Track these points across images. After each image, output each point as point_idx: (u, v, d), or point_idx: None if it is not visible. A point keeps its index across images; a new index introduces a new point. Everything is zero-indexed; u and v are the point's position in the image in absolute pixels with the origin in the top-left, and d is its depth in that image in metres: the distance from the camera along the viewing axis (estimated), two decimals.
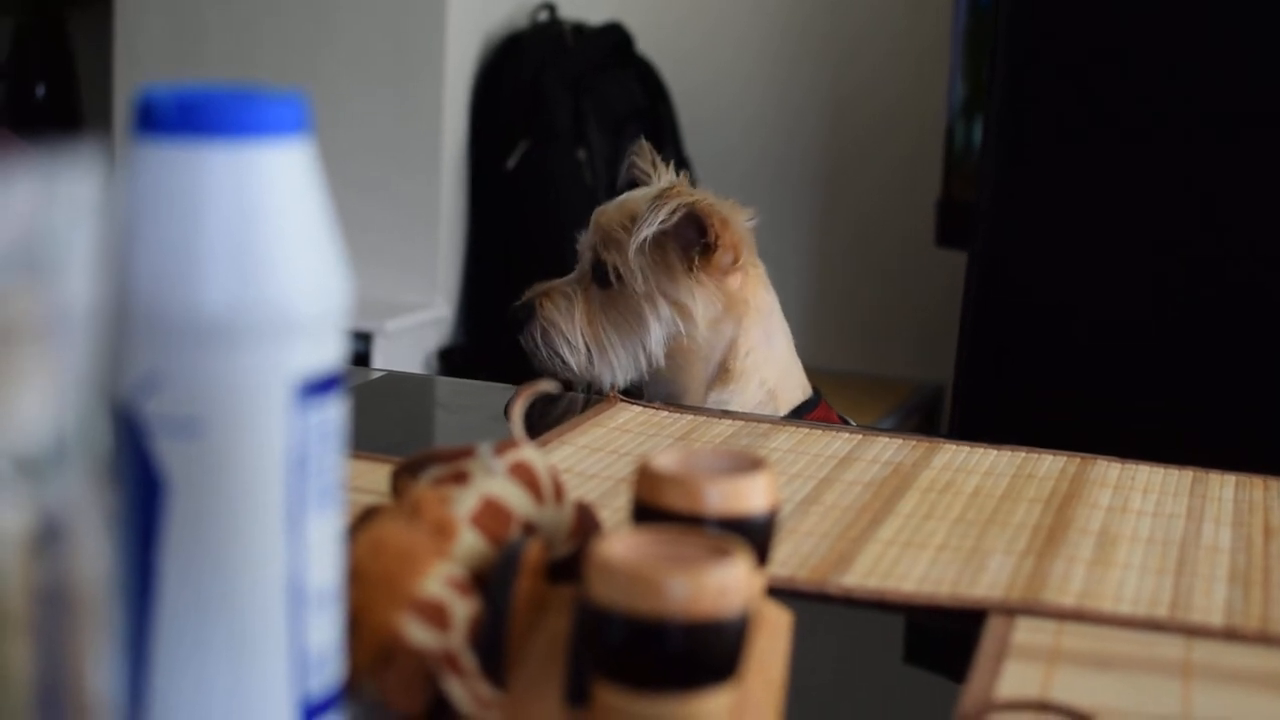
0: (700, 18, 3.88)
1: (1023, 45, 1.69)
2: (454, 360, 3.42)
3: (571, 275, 1.52)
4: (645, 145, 1.55)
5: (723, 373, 1.46)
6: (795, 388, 1.50)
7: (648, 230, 1.41)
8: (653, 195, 1.44)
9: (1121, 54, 1.64)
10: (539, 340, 1.49)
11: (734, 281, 1.46)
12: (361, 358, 3.14)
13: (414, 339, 3.34)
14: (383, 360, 3.19)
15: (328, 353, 0.57)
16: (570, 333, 1.47)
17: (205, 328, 0.54)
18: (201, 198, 0.54)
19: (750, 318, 1.46)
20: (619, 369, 1.46)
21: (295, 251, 0.55)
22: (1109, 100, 1.65)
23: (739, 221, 1.46)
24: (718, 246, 1.43)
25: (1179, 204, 1.63)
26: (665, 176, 1.52)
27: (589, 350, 1.46)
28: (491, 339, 3.49)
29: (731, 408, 1.44)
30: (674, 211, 1.41)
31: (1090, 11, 1.66)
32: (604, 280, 1.47)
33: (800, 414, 1.47)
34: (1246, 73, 1.59)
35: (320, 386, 0.56)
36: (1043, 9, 1.68)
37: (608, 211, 1.49)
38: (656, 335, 1.45)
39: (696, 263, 1.43)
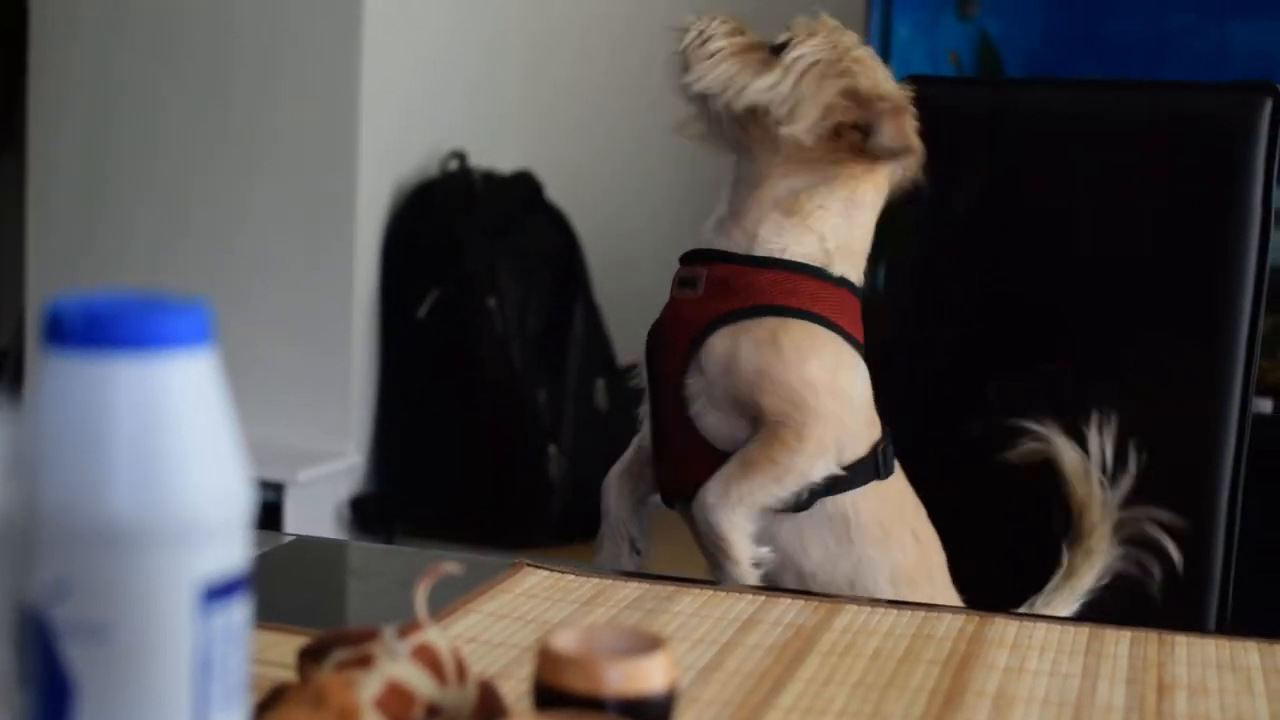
0: (604, 164, 3.94)
1: None
2: (366, 509, 3.41)
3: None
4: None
5: (786, 206, 1.40)
6: (852, 268, 1.42)
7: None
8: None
9: None
10: None
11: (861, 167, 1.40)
12: (272, 508, 3.13)
13: (326, 488, 3.34)
14: (294, 510, 3.18)
15: (232, 556, 0.58)
16: None
17: (112, 534, 0.55)
18: (107, 408, 0.56)
19: (840, 188, 1.39)
20: None
21: (199, 459, 0.57)
22: None
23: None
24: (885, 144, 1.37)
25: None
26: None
27: None
28: (404, 487, 3.49)
29: (786, 250, 1.38)
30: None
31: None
32: None
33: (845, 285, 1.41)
34: None
35: (224, 590, 0.58)
36: None
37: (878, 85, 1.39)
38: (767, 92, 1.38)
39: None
